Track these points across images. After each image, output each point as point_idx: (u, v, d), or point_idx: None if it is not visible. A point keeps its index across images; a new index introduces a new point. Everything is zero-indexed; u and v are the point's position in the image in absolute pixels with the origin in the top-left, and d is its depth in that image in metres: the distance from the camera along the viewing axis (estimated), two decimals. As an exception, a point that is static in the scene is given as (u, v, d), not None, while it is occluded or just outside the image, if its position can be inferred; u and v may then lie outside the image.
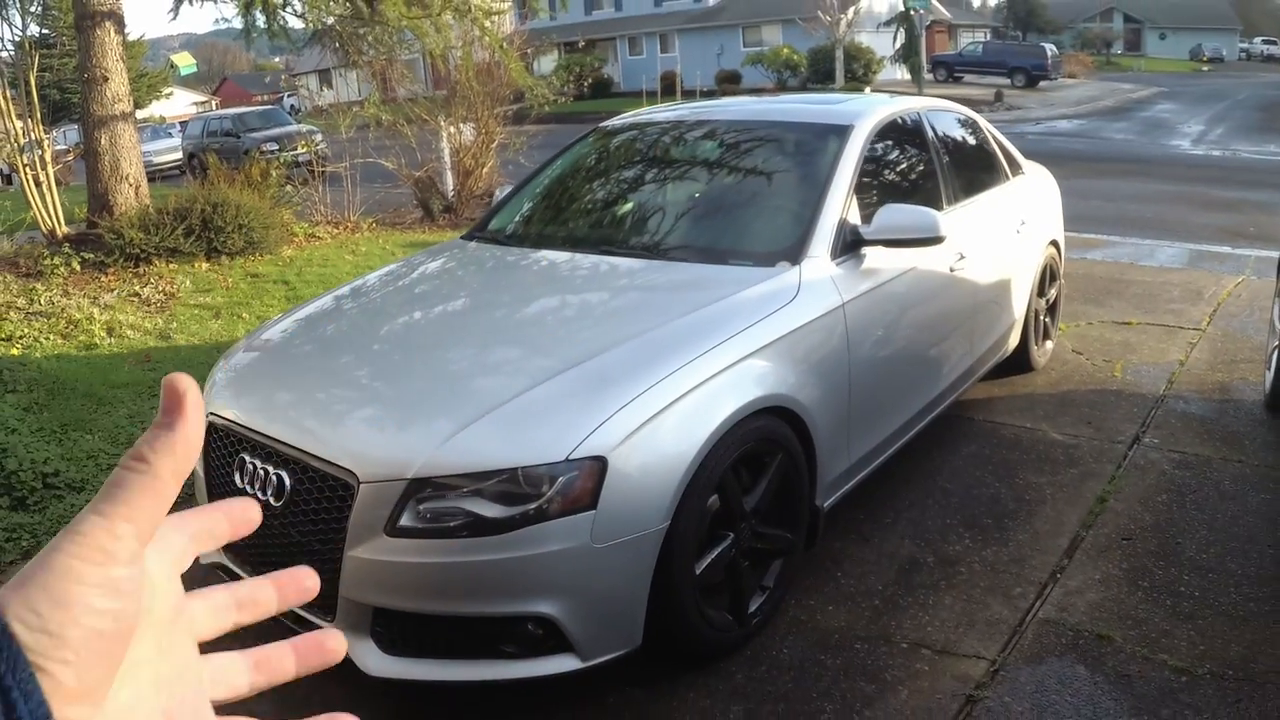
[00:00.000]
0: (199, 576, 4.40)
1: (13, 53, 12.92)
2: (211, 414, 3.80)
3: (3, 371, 6.99)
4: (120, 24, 11.68)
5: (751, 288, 3.95)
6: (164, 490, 0.57)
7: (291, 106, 48.56)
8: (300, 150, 18.80)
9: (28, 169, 12.00)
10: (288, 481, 3.34)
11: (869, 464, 4.49)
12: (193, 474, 4.09)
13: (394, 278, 4.89)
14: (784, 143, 5.04)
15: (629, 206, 5.16)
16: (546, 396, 3.28)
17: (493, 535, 3.03)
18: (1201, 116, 31.49)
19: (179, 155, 30.49)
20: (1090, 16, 79.41)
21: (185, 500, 3.86)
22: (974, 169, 5.95)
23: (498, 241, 5.20)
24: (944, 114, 5.96)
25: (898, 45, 39.20)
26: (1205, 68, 65.42)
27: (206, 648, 0.63)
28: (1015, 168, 6.49)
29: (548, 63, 43.67)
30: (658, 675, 3.57)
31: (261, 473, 3.44)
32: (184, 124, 34.30)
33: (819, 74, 40.93)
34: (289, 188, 13.96)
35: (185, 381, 0.60)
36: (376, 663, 3.21)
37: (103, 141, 11.58)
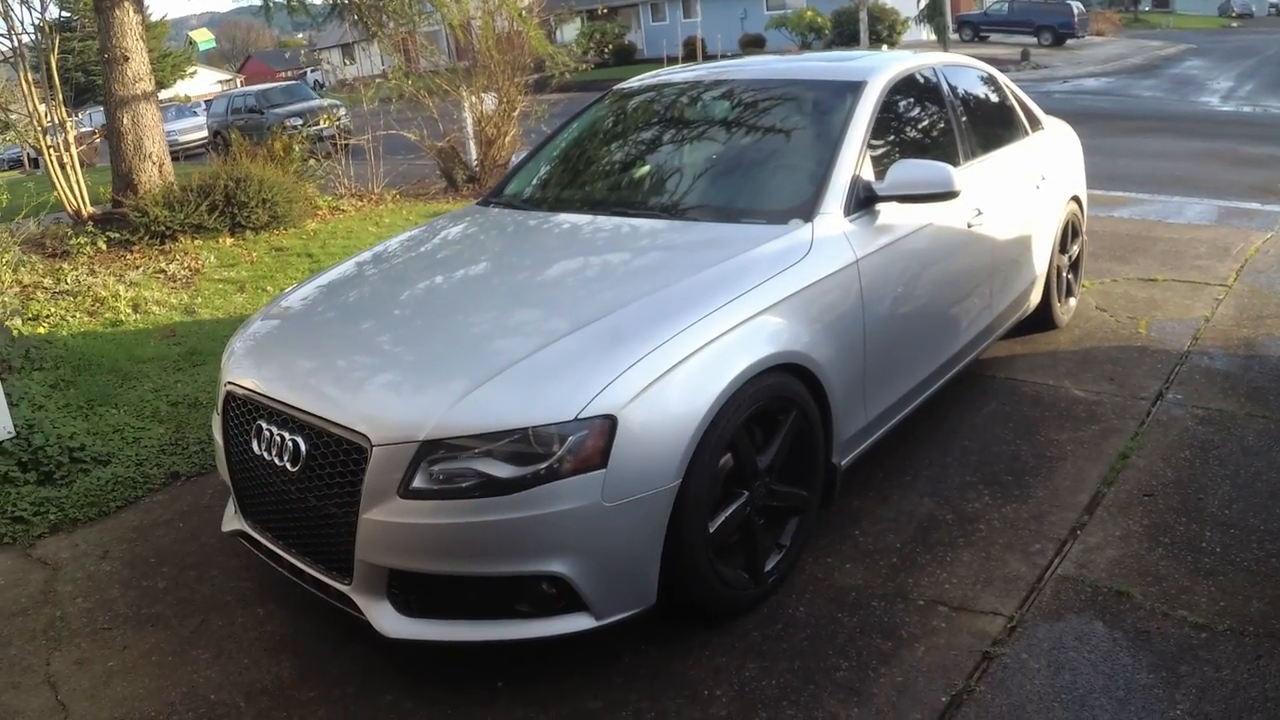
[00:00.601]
0: (222, 545, 4.45)
1: (34, 36, 12.95)
2: (230, 383, 3.83)
3: (30, 350, 7.06)
4: (139, 3, 11.72)
5: (764, 245, 3.94)
6: None
7: (315, 81, 48.61)
8: (323, 124, 18.83)
9: (52, 151, 12.07)
10: (303, 447, 3.36)
11: (887, 422, 4.48)
12: (213, 443, 4.13)
13: (413, 244, 4.90)
14: (799, 100, 5.01)
15: (645, 168, 5.14)
16: (558, 356, 3.28)
17: (504, 495, 3.03)
18: (1231, 73, 31.11)
19: (204, 133, 30.67)
20: (1118, -27, 78.48)
21: (208, 469, 3.91)
22: (992, 124, 5.90)
23: (515, 206, 5.20)
24: (961, 69, 5.91)
25: (922, 5, 38.76)
26: (1234, 23, 64.61)
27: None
28: (1035, 123, 6.43)
29: (569, 31, 43.53)
30: (673, 634, 3.58)
31: (279, 439, 3.46)
32: (209, 102, 34.44)
33: (843, 36, 40.62)
34: (312, 161, 14.00)
35: None
36: (393, 624, 3.24)
37: (125, 121, 11.64)
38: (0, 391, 5.25)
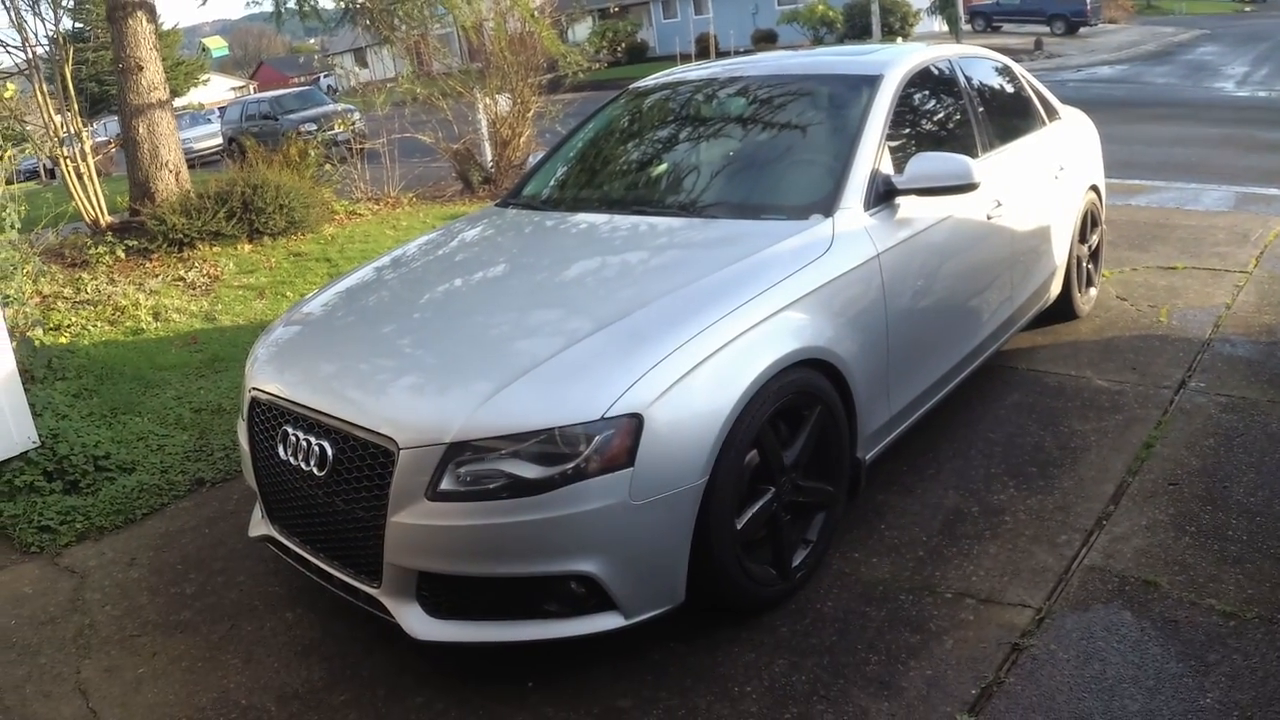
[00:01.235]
0: (249, 550, 4.47)
1: (48, 48, 13.01)
2: (254, 389, 3.85)
3: (52, 359, 7.09)
4: (152, 13, 11.76)
5: (785, 241, 3.94)
6: None
7: (328, 87, 48.70)
8: (338, 129, 18.88)
9: (69, 162, 12.12)
10: (330, 451, 3.38)
11: (910, 415, 4.48)
12: (239, 449, 4.15)
13: (432, 247, 4.91)
14: (815, 95, 5.01)
15: (662, 166, 5.14)
16: (582, 356, 3.29)
17: (532, 496, 3.05)
18: (1245, 58, 30.92)
19: (219, 141, 30.75)
20: (1130, -40, 78.11)
21: (233, 475, 3.93)
22: (1009, 115, 5.89)
23: (533, 206, 5.21)
24: (976, 61, 5.90)
25: (934, -3, 38.75)
26: (1248, 8, 64.13)
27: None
28: (1052, 113, 6.41)
29: (581, 30, 43.55)
30: (702, 630, 3.58)
31: (304, 444, 3.48)
32: (222, 109, 34.53)
33: (855, 29, 40.53)
34: (328, 166, 14.04)
35: None
36: (423, 626, 3.25)
37: (141, 130, 11.69)
38: (24, 401, 5.28)
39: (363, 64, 44.19)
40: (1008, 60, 6.32)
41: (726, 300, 3.51)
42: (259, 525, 3.99)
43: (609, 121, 5.67)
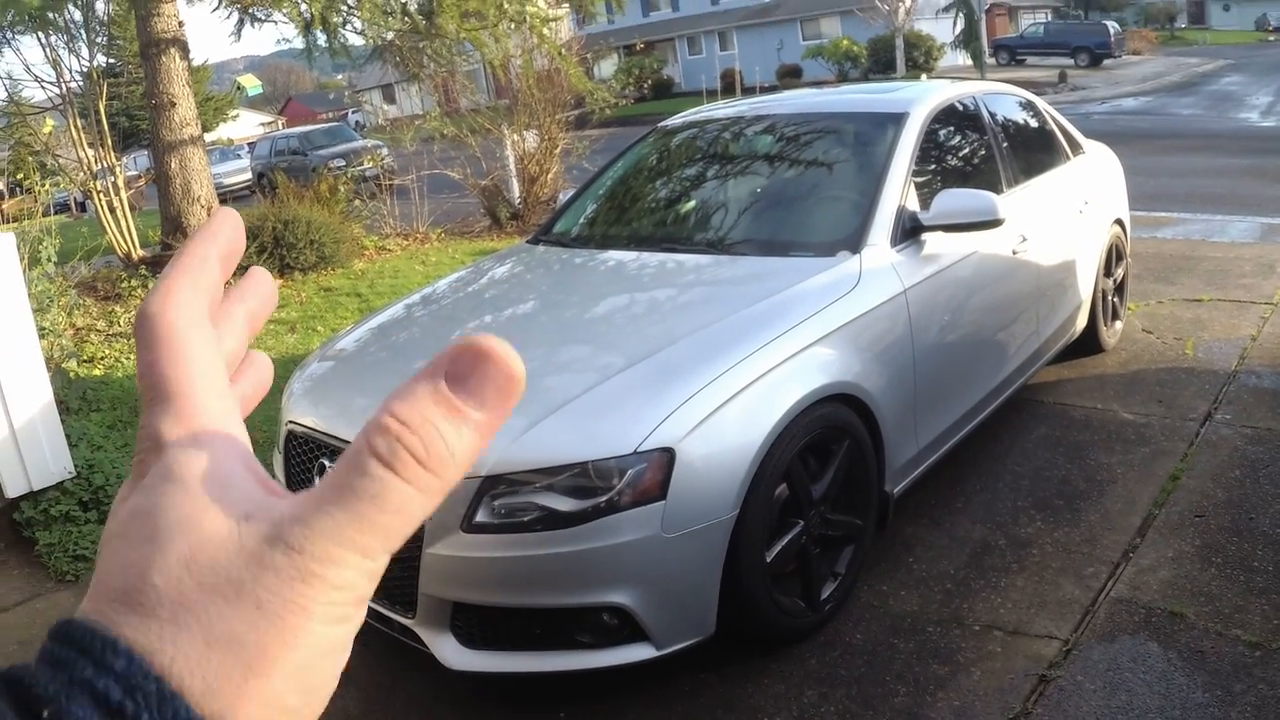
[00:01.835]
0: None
1: (81, 83, 13.19)
2: (291, 422, 3.91)
3: (87, 391, 7.18)
4: (184, 50, 11.91)
5: (813, 277, 4.00)
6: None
7: (356, 123, 49.08)
8: (367, 165, 19.04)
9: (101, 195, 12.28)
10: (366, 484, 3.42)
11: (938, 449, 4.51)
12: (273, 473, 4.21)
13: (463, 283, 4.98)
14: (841, 133, 5.08)
15: (690, 204, 5.21)
16: (614, 391, 3.35)
17: (566, 528, 3.10)
18: (1270, 87, 30.90)
19: (248, 176, 30.98)
20: (1152, -9, 78.13)
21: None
22: (1033, 150, 5.94)
23: (563, 244, 5.28)
24: (1001, 97, 5.96)
25: (958, 31, 38.84)
26: (1271, 37, 64.06)
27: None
28: (1076, 148, 6.46)
29: (608, 66, 43.81)
30: (732, 661, 3.62)
31: (340, 477, 3.52)
32: (252, 145, 34.83)
33: (880, 64, 40.69)
34: (357, 202, 14.16)
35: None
36: (457, 656, 3.30)
37: (173, 165, 11.82)
38: (60, 432, 5.36)
39: (391, 100, 44.52)
40: (1031, 96, 6.38)
41: (756, 336, 3.57)
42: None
43: (638, 159, 5.75)
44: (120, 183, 12.54)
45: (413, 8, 12.80)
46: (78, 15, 12.55)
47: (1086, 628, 3.66)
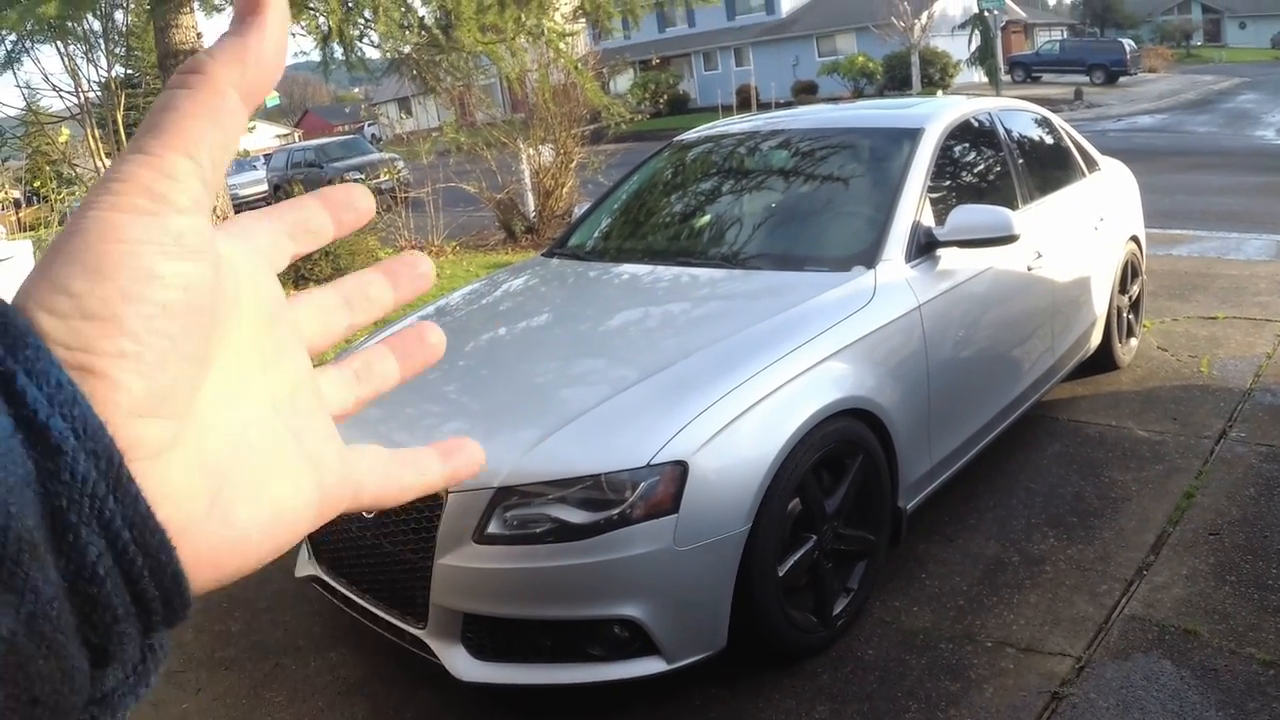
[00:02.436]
0: (294, 589, 4.53)
1: (99, 93, 13.27)
2: (303, 433, 3.91)
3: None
4: (203, 61, 11.94)
5: (828, 292, 4.00)
6: (226, 110, 0.44)
7: (372, 135, 49.26)
8: (383, 178, 19.09)
9: (119, 205, 12.32)
10: (379, 495, 3.43)
11: (951, 465, 4.50)
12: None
13: (477, 296, 4.99)
14: (856, 148, 5.08)
15: (706, 218, 5.22)
16: (627, 404, 3.35)
17: (578, 540, 3.10)
18: (1288, 107, 30.87)
19: (264, 187, 31.09)
20: (1168, 9, 77.97)
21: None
22: (1049, 167, 5.94)
23: (578, 257, 5.29)
24: (1016, 113, 5.96)
25: (973, 48, 38.85)
26: (1289, 56, 64.01)
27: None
28: (1091, 164, 6.45)
29: (624, 81, 43.88)
30: (743, 676, 3.61)
31: (353, 488, 3.53)
32: (268, 156, 34.94)
33: (895, 80, 40.73)
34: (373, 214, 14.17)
35: None
36: (467, 668, 3.30)
37: (190, 176, 11.84)
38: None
39: (407, 113, 44.66)
40: (1047, 112, 6.38)
41: (770, 350, 3.57)
42: (305, 565, 4.05)
43: (653, 174, 5.76)
44: (137, 193, 12.58)
45: (430, 21, 12.84)
46: (96, 25, 12.62)
47: (1100, 645, 3.64)
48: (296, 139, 62.44)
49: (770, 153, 5.42)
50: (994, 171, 5.34)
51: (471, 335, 4.45)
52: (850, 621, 3.85)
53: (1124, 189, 6.76)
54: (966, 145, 5.27)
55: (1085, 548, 4.36)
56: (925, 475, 4.25)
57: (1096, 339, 6.10)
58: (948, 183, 4.93)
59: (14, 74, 13.17)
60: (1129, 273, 6.58)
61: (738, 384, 3.38)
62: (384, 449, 0.55)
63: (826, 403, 3.54)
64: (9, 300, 0.38)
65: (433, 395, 3.85)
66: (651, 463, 3.13)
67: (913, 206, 4.43)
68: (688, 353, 3.59)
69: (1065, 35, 56.41)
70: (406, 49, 13.11)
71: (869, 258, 4.22)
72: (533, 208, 14.47)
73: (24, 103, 13.97)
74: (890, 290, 4.10)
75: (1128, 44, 45.38)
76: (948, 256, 4.42)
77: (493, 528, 3.17)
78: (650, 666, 3.25)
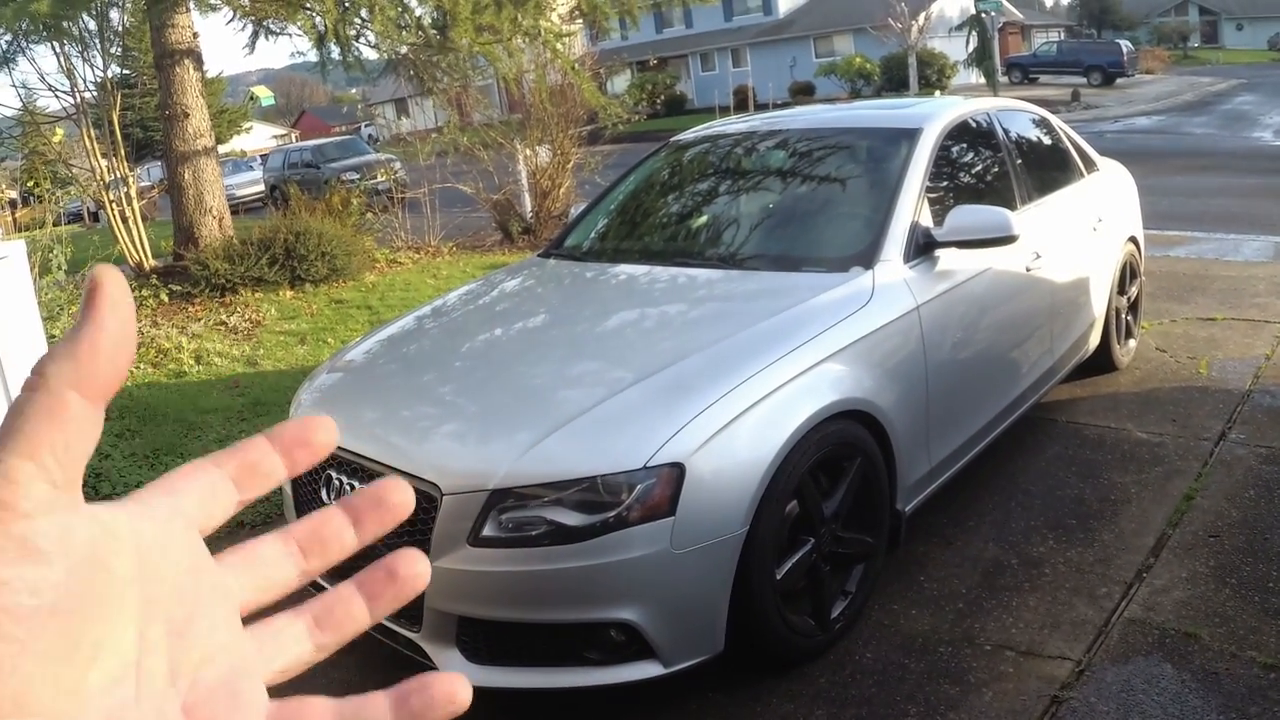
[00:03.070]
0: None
1: (95, 93, 13.24)
2: (299, 435, 3.89)
3: (96, 401, 7.17)
4: (199, 61, 11.95)
5: (826, 293, 3.97)
6: (68, 412, 0.43)
7: (370, 136, 49.21)
8: (380, 178, 19.07)
9: (114, 205, 12.32)
10: (373, 497, 3.40)
11: (950, 467, 4.48)
12: (280, 492, 4.20)
13: (473, 296, 4.97)
14: (854, 149, 5.06)
15: (703, 218, 5.20)
16: (624, 405, 3.32)
17: (574, 543, 3.07)
18: (1285, 108, 30.88)
19: (261, 187, 31.08)
20: (1165, 10, 78.07)
21: (274, 518, 3.94)
22: (1047, 168, 5.92)
23: (574, 258, 5.26)
24: (1014, 114, 5.94)
25: (970, 49, 38.84)
26: (1287, 58, 64.04)
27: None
28: (1090, 165, 6.43)
29: (621, 82, 43.85)
30: (740, 680, 3.59)
31: (348, 488, 3.51)
32: (265, 157, 34.94)
33: (892, 82, 40.75)
34: (369, 215, 14.18)
35: (106, 274, 0.46)
36: (462, 671, 3.26)
37: (186, 176, 11.85)
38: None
39: (404, 113, 44.59)
40: (1045, 113, 6.36)
41: (767, 352, 3.54)
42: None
43: (650, 174, 5.73)
44: (133, 193, 12.58)
45: (427, 21, 12.83)
46: (92, 25, 12.59)
47: (1099, 648, 3.62)
48: (293, 140, 62.45)
49: (768, 153, 5.40)
50: (992, 172, 5.31)
51: (468, 336, 4.44)
52: (848, 625, 3.83)
53: (1122, 190, 6.74)
54: (965, 145, 5.25)
55: (1085, 550, 4.33)
56: (924, 477, 4.23)
57: (1095, 340, 6.08)
58: (946, 183, 4.91)
59: (9, 74, 13.13)
60: (1128, 274, 6.56)
61: (735, 385, 3.35)
62: (330, 701, 0.53)
63: (824, 404, 3.52)
64: None
65: (430, 397, 3.83)
66: (648, 465, 3.10)
67: (911, 207, 4.41)
68: (685, 354, 3.56)
69: (1062, 37, 56.54)
70: (403, 49, 13.10)
71: (867, 258, 4.20)
72: (530, 208, 14.46)
73: (20, 103, 13.94)
74: (888, 291, 4.07)
75: (1125, 45, 45.38)
76: (946, 257, 4.40)
77: (488, 530, 3.14)
78: (647, 670, 3.22)
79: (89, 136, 12.43)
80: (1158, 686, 3.37)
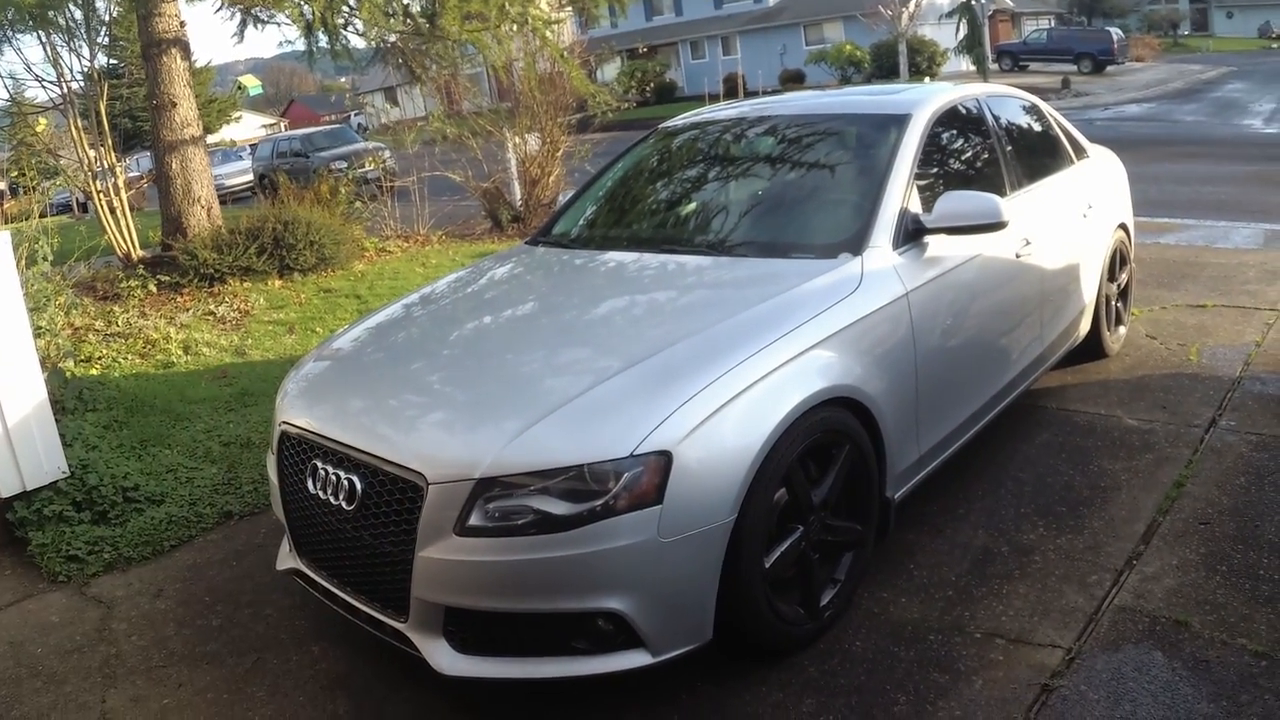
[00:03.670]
0: (276, 583, 4.48)
1: (83, 84, 13.17)
2: (284, 423, 3.87)
3: (83, 391, 7.14)
4: (186, 50, 11.89)
5: (814, 280, 3.95)
6: None
7: (359, 125, 49.11)
8: (369, 167, 19.02)
9: (102, 196, 12.26)
10: (359, 486, 3.39)
11: (940, 454, 4.46)
12: (268, 482, 4.17)
13: (461, 285, 4.94)
14: (843, 135, 5.03)
15: (691, 205, 5.17)
16: (611, 393, 3.29)
17: (560, 532, 3.05)
18: (1273, 95, 30.83)
19: (250, 177, 31.02)
20: (1155, -2, 78.21)
21: (261, 508, 3.93)
22: (1037, 154, 5.89)
23: (562, 245, 5.23)
24: (1004, 99, 5.91)
25: (961, 37, 38.79)
26: (1275, 45, 64.03)
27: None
28: (1080, 152, 6.41)
29: (610, 70, 43.75)
30: (729, 670, 3.57)
31: (334, 478, 3.49)
32: (253, 146, 34.85)
33: (882, 69, 40.69)
34: (358, 204, 14.14)
35: None
36: (450, 662, 3.25)
37: (174, 166, 11.79)
38: (55, 432, 5.31)
39: (393, 102, 44.48)
40: (1035, 99, 6.33)
41: (755, 338, 3.52)
42: (286, 559, 4.00)
43: (638, 161, 5.70)
44: (121, 183, 12.53)
45: (415, 9, 12.79)
46: (78, 14, 12.52)
47: (1090, 636, 3.61)
48: (282, 129, 62.28)
49: (757, 139, 5.37)
50: (982, 158, 5.29)
51: (456, 324, 4.41)
52: (838, 613, 3.81)
53: (1113, 176, 6.72)
54: (954, 131, 5.22)
55: (1075, 538, 4.32)
56: (914, 465, 4.21)
57: (1085, 327, 6.07)
58: (935, 169, 4.88)
59: (-5, 63, 13.05)
60: (1118, 260, 6.55)
61: (722, 373, 3.33)
62: None
63: (813, 391, 3.50)
64: None
65: (417, 386, 3.81)
66: (635, 453, 3.08)
67: (900, 193, 4.38)
68: (672, 341, 3.53)
69: (1053, 24, 56.53)
70: (392, 37, 13.06)
71: (856, 245, 4.17)
72: (519, 196, 14.43)
73: (7, 93, 13.87)
74: (877, 277, 4.05)
75: (1115, 33, 45.39)
76: (935, 243, 4.37)
77: (474, 519, 3.11)
78: (635, 660, 3.20)
79: (76, 127, 12.37)
80: (1148, 674, 3.36)
